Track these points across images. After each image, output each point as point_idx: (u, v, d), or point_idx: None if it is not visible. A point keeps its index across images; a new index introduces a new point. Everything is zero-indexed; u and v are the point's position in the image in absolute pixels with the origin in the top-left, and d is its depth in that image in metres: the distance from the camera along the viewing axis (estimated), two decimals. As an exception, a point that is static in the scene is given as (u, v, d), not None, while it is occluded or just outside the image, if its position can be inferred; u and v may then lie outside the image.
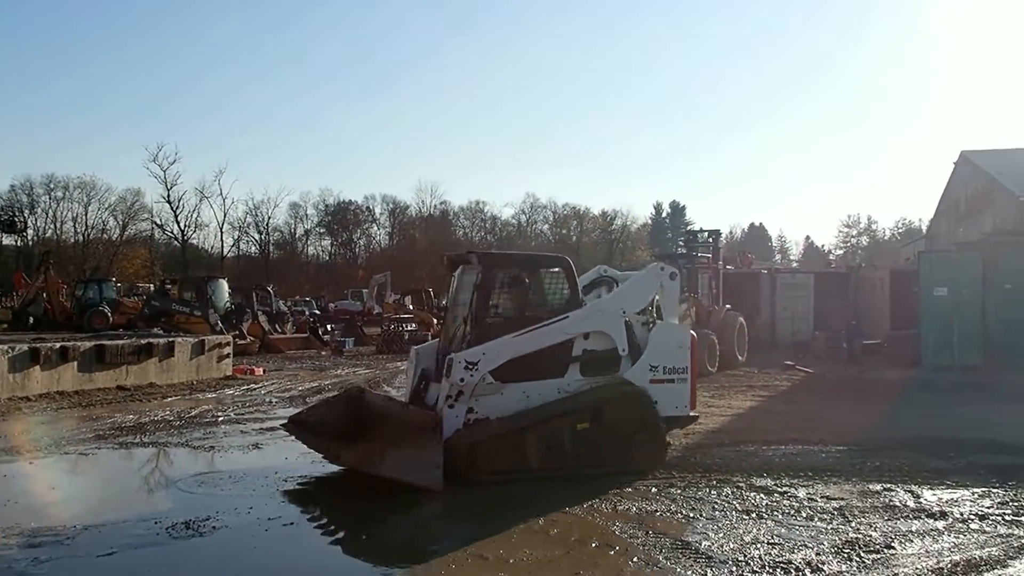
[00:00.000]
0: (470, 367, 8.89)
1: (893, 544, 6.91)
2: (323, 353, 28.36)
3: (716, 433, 12.02)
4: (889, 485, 8.91)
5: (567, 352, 9.52)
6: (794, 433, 11.91)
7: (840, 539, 7.03)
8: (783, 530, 7.32)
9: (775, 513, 7.86)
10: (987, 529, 7.39)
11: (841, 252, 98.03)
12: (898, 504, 8.19)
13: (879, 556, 6.62)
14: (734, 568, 6.36)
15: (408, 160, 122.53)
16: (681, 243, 32.21)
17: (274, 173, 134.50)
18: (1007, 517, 7.74)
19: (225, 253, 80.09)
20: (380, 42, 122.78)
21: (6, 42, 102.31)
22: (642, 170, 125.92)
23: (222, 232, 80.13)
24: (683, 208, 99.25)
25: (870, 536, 7.11)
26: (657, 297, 10.31)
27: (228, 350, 20.24)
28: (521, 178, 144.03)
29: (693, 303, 21.22)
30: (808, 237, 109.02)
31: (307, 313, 43.93)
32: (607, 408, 9.29)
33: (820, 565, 6.38)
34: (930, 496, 8.51)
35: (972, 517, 7.72)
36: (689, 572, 6.29)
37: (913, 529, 7.38)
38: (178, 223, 77.01)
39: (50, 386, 15.37)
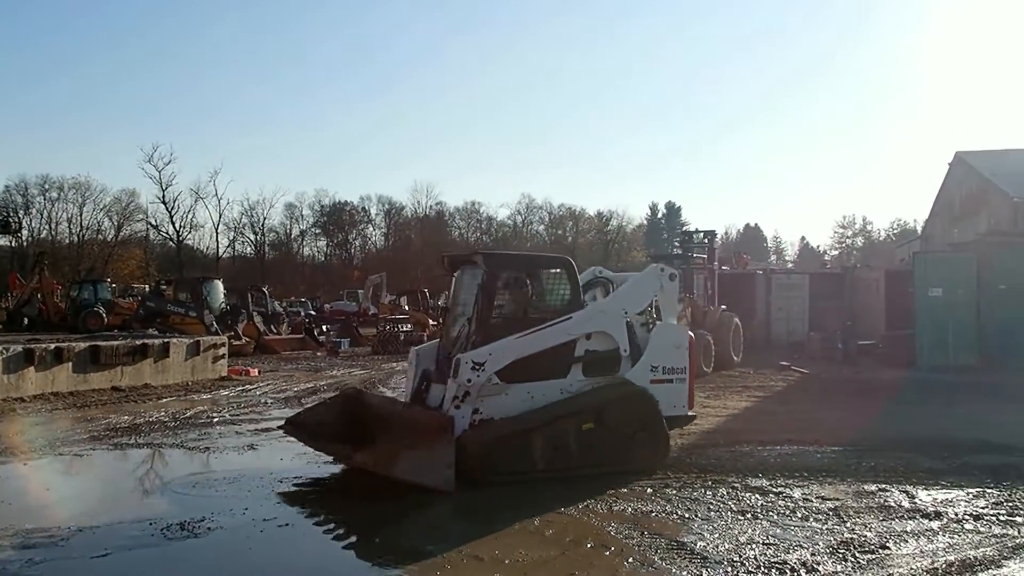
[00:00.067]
0: (477, 368, 8.90)
1: (888, 544, 6.92)
2: (318, 354, 28.33)
3: (711, 434, 12.03)
4: (884, 485, 8.92)
5: (570, 352, 9.56)
6: (789, 434, 11.92)
7: (835, 539, 7.04)
8: (778, 530, 7.33)
9: (770, 513, 7.87)
10: (981, 529, 7.41)
11: (836, 253, 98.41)
12: (893, 504, 8.21)
13: (874, 556, 6.63)
14: (729, 569, 6.36)
15: (408, 160, 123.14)
16: (677, 244, 32.25)
17: (270, 174, 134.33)
18: (1001, 517, 7.76)
19: (220, 254, 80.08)
20: (380, 42, 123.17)
21: (5, 42, 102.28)
22: (641, 170, 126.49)
23: (217, 233, 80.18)
24: (679, 209, 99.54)
25: (865, 536, 7.13)
26: (656, 298, 10.38)
27: (223, 351, 20.20)
28: (517, 179, 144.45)
29: (689, 304, 21.22)
30: (803, 238, 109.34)
31: (303, 314, 43.97)
32: (611, 408, 9.34)
33: (815, 565, 6.39)
34: (925, 496, 8.53)
35: (967, 517, 7.74)
36: (684, 573, 6.30)
37: (908, 529, 7.39)
38: (173, 224, 77.07)
39: (45, 387, 15.34)
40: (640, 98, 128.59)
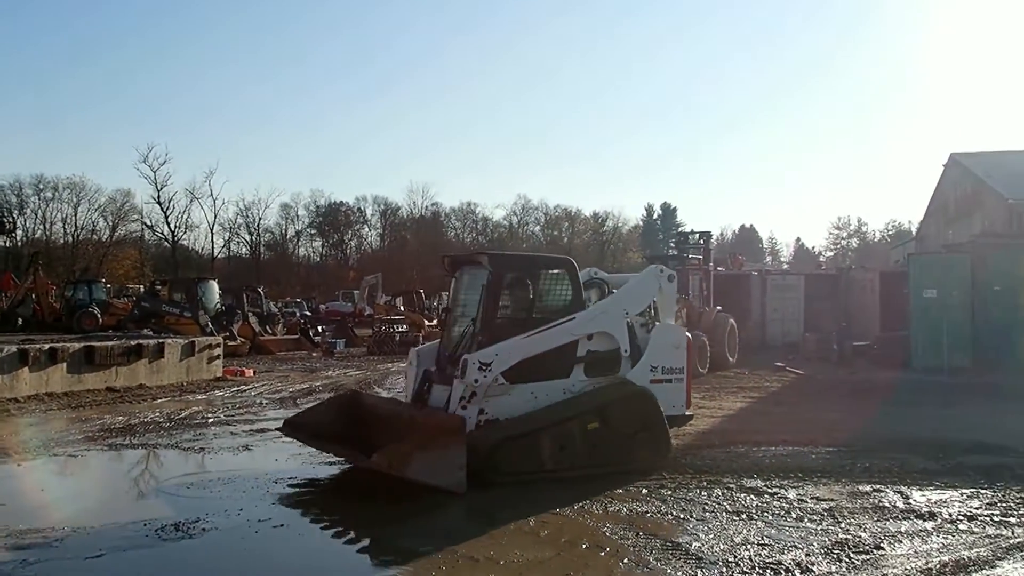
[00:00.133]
0: (484, 368, 8.92)
1: (882, 545, 6.93)
2: (314, 354, 28.29)
3: (707, 434, 12.05)
4: (878, 486, 8.94)
5: (572, 353, 9.61)
6: (784, 434, 11.94)
7: (830, 540, 7.05)
8: (773, 531, 7.34)
9: (765, 514, 7.88)
10: (975, 530, 7.43)
11: (831, 254, 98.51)
12: (887, 505, 8.22)
13: (868, 557, 6.65)
14: (724, 569, 6.37)
15: (407, 160, 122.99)
16: (672, 245, 32.25)
17: (265, 174, 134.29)
18: (995, 518, 7.78)
19: (215, 254, 79.82)
20: (380, 42, 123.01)
21: (4, 42, 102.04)
22: (641, 170, 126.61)
23: (212, 233, 79.91)
24: (674, 210, 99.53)
25: (859, 537, 7.14)
26: (655, 298, 10.43)
27: (218, 351, 20.18)
28: (516, 179, 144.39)
29: (684, 304, 21.19)
30: (798, 239, 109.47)
31: (298, 314, 43.86)
32: (614, 408, 9.39)
33: (810, 566, 6.40)
34: (919, 497, 8.55)
35: (961, 518, 7.76)
36: (679, 573, 6.31)
37: (902, 530, 7.41)
38: (168, 224, 76.81)
39: (39, 387, 15.30)
40: (640, 98, 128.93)
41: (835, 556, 6.64)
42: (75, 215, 75.38)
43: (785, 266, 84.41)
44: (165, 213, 76.12)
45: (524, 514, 7.74)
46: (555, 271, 10.15)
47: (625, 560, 6.62)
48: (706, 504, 8.20)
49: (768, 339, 28.86)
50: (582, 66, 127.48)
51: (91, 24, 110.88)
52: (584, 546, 6.99)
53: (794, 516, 7.81)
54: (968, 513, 7.92)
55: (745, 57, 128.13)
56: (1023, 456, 10.52)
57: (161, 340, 19.05)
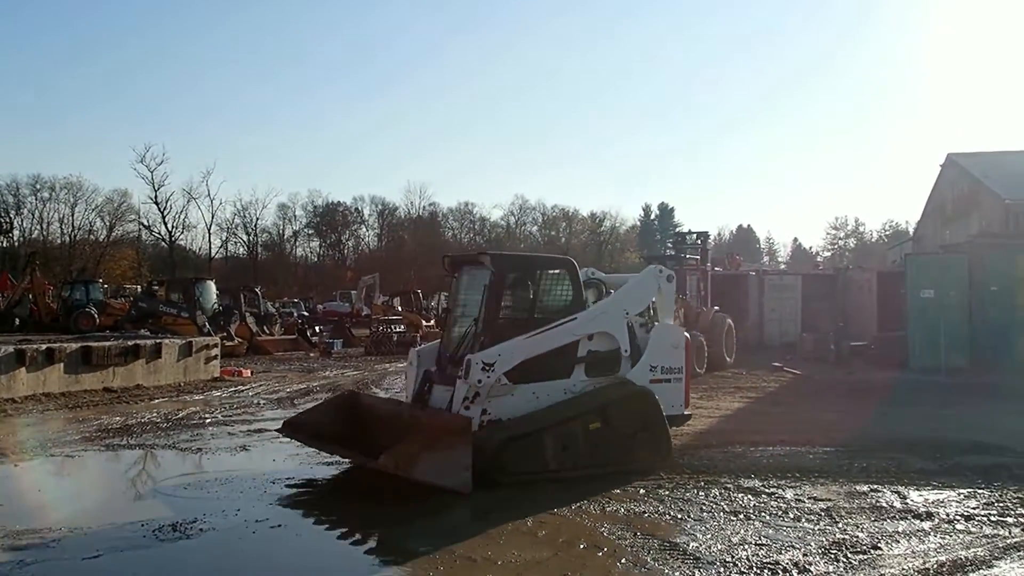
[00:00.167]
0: (487, 368, 8.93)
1: (880, 545, 6.94)
2: (311, 355, 28.30)
3: (704, 434, 12.05)
4: (876, 486, 8.95)
5: (573, 353, 9.64)
6: (782, 434, 11.95)
7: (827, 540, 7.06)
8: (771, 531, 7.34)
9: (763, 514, 7.89)
10: (973, 530, 7.43)
11: (828, 254, 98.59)
12: (885, 505, 8.23)
13: (866, 557, 6.65)
14: (722, 569, 6.37)
15: (407, 160, 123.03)
16: (670, 245, 32.24)
17: (262, 174, 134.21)
18: (992, 518, 7.79)
19: (213, 254, 79.78)
20: (380, 42, 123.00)
21: (4, 43, 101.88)
22: (640, 171, 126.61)
23: (210, 233, 79.82)
24: (672, 210, 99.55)
25: (857, 537, 7.15)
26: (654, 298, 10.47)
27: (216, 352, 20.16)
28: (516, 179, 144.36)
29: (681, 304, 21.23)
30: (796, 239, 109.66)
31: (295, 315, 43.84)
32: (616, 407, 9.41)
33: (807, 566, 6.41)
34: (916, 497, 8.56)
35: (958, 518, 7.76)
36: (677, 573, 6.31)
37: (899, 530, 7.41)
38: (165, 224, 76.67)
39: (36, 388, 15.28)
40: (640, 98, 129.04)
41: (832, 556, 6.64)
42: (72, 215, 75.33)
43: (782, 266, 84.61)
44: (162, 213, 76.10)
45: (522, 514, 7.73)
46: (556, 271, 10.18)
47: (623, 560, 6.62)
48: (704, 504, 8.20)
49: (765, 339, 28.88)
50: (582, 66, 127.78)
51: (90, 24, 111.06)
52: (582, 546, 6.99)
53: (791, 516, 7.82)
54: (965, 513, 7.93)
55: (745, 57, 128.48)
56: (1020, 456, 10.54)
57: (158, 340, 19.03)
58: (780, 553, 6.72)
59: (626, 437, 9.39)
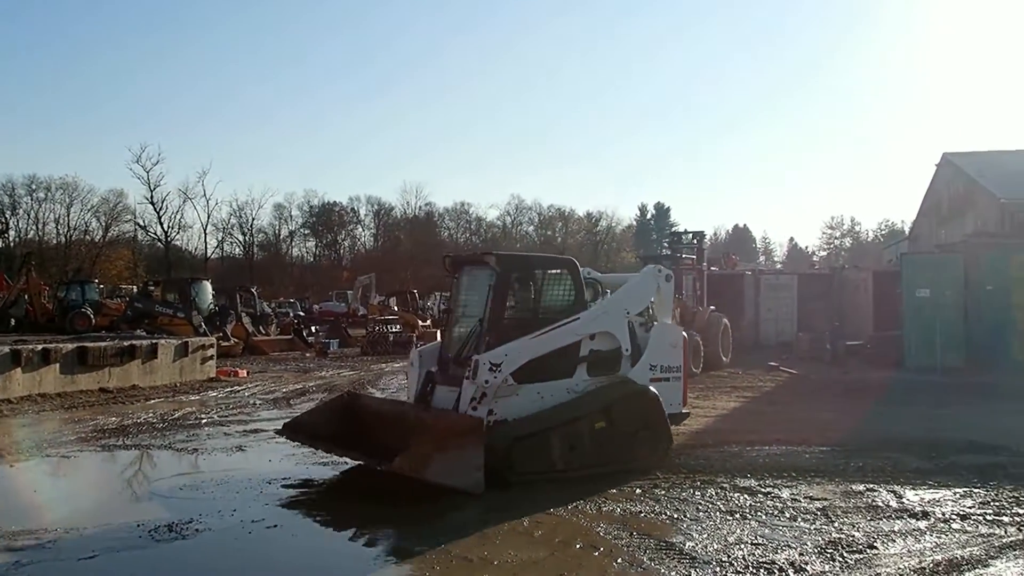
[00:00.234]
0: (494, 368, 8.93)
1: (876, 544, 6.95)
2: (307, 355, 28.28)
3: (700, 434, 12.06)
4: (872, 485, 8.96)
5: (576, 352, 9.65)
6: (778, 434, 11.95)
7: (823, 539, 7.07)
8: (767, 530, 7.35)
9: (759, 514, 7.89)
10: (968, 529, 7.44)
11: (824, 253, 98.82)
12: (881, 504, 8.24)
13: (862, 556, 6.66)
14: (718, 568, 6.38)
15: (407, 160, 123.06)
16: (666, 245, 32.28)
17: (258, 174, 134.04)
18: (988, 517, 7.80)
19: (209, 254, 79.78)
20: (380, 42, 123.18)
21: (3, 43, 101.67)
22: (640, 171, 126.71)
23: (206, 233, 79.80)
24: (668, 210, 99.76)
25: (853, 536, 7.15)
26: (653, 298, 10.50)
27: (211, 352, 20.13)
28: (506, 179, 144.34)
29: (678, 304, 21.22)
30: (792, 238, 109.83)
31: (291, 315, 43.87)
32: (619, 407, 9.45)
33: (803, 565, 6.41)
34: (912, 496, 8.57)
35: (954, 517, 7.77)
36: (673, 573, 6.31)
37: (895, 529, 7.42)
38: (161, 224, 76.62)
39: (32, 388, 15.26)
40: (640, 98, 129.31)
41: (829, 555, 6.65)
42: (68, 215, 75.26)
43: (779, 266, 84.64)
44: (158, 213, 76.05)
45: (518, 514, 7.74)
46: (558, 271, 10.20)
47: (619, 560, 6.63)
48: (700, 504, 8.21)
49: (762, 339, 28.92)
50: (582, 66, 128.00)
51: (87, 25, 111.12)
52: (578, 546, 6.99)
53: (788, 515, 7.82)
54: (961, 512, 7.94)
55: (745, 57, 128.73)
56: (1016, 455, 10.55)
57: (154, 341, 19.00)
58: (776, 552, 6.73)
59: (629, 436, 9.44)
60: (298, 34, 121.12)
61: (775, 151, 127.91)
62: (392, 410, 10.45)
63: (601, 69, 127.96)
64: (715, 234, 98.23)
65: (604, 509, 8.02)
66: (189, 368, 19.03)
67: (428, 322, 36.92)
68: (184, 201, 77.40)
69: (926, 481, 9.21)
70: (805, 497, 8.49)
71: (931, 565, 6.45)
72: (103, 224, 76.51)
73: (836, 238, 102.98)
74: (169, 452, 11.07)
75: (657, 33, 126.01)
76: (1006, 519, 7.72)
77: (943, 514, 7.86)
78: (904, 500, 8.41)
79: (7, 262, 59.64)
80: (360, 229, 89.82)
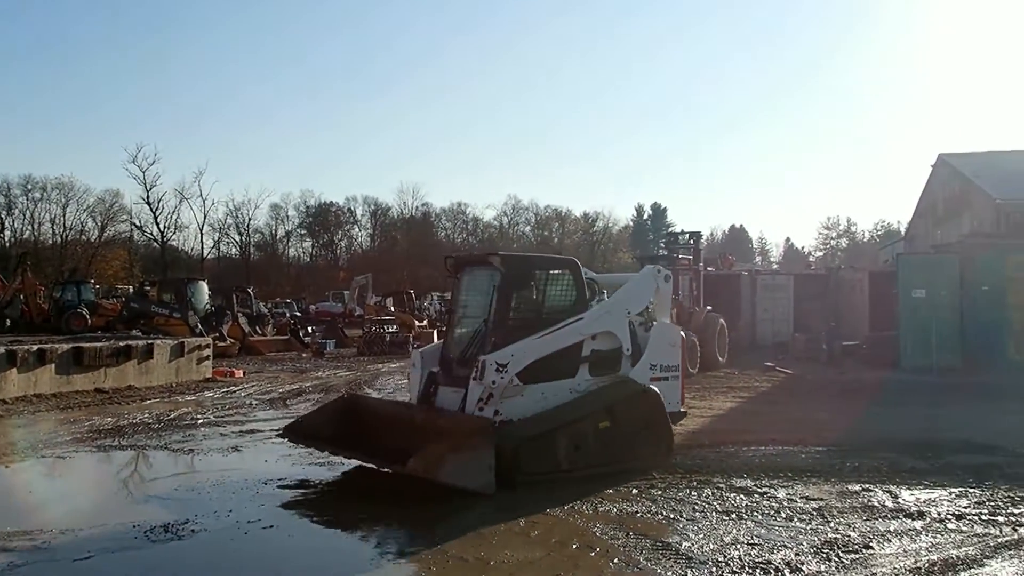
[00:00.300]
0: (501, 369, 8.95)
1: (871, 544, 6.96)
2: (304, 355, 28.24)
3: (697, 434, 12.06)
4: (868, 485, 8.97)
5: (578, 352, 9.69)
6: (774, 434, 11.97)
7: (819, 539, 7.07)
8: (763, 531, 7.36)
9: (755, 514, 7.90)
10: (964, 528, 7.46)
11: (821, 254, 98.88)
12: (876, 504, 8.25)
13: (858, 556, 6.67)
14: (714, 569, 6.38)
15: (406, 161, 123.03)
16: (662, 245, 32.30)
17: (255, 174, 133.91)
18: (984, 516, 7.82)
19: (205, 255, 79.65)
20: (380, 42, 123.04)
21: (3, 44, 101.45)
22: (640, 171, 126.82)
23: (202, 233, 79.71)
24: (664, 210, 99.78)
25: (849, 536, 7.16)
26: (652, 298, 10.55)
27: (208, 352, 20.10)
28: (503, 180, 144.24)
29: (674, 305, 21.22)
30: (788, 239, 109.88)
31: (288, 315, 43.82)
32: (622, 406, 9.49)
33: (799, 565, 6.42)
34: (908, 496, 8.58)
35: (949, 517, 7.79)
36: (669, 573, 6.31)
37: (891, 529, 7.43)
38: (157, 224, 76.48)
39: (27, 389, 15.22)
40: (640, 98, 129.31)
41: (824, 555, 6.66)
42: (64, 215, 75.18)
43: (775, 266, 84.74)
44: (154, 213, 75.92)
45: (514, 514, 7.74)
46: (560, 271, 10.23)
47: (615, 560, 6.63)
48: (696, 504, 8.21)
49: (758, 339, 28.94)
50: (582, 66, 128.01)
51: (86, 25, 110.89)
52: (574, 546, 6.99)
53: (784, 515, 7.83)
54: (957, 512, 7.95)
55: (745, 57, 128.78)
56: (1011, 455, 10.58)
57: (150, 341, 18.98)
58: (772, 552, 6.73)
59: (631, 435, 9.48)
60: (298, 34, 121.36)
61: (774, 151, 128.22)
62: (394, 411, 10.45)
63: (601, 69, 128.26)
64: (711, 234, 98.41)
65: (601, 509, 8.02)
66: (185, 368, 19.01)
67: (425, 322, 36.94)
68: (180, 201, 77.41)
69: (922, 481, 9.23)
70: (801, 497, 8.49)
71: (927, 565, 6.46)
72: (99, 224, 76.54)
73: (832, 238, 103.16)
74: (165, 453, 11.05)
75: (657, 33, 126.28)
76: (1001, 519, 7.74)
77: (939, 514, 7.87)
78: (900, 500, 8.42)
79: (3, 262, 59.48)
80: (357, 229, 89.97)
